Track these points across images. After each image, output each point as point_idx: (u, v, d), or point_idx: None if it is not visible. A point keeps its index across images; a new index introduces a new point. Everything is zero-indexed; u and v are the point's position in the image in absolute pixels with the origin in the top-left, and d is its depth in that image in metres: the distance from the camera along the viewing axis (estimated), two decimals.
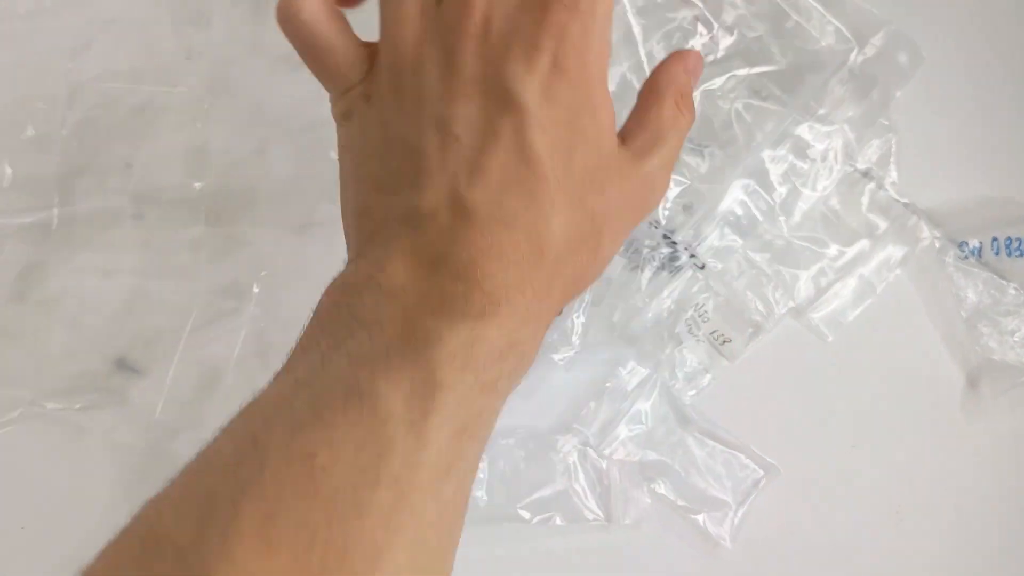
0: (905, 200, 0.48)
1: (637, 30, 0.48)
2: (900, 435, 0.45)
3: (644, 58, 0.48)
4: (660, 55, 0.48)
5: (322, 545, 0.23)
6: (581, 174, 0.31)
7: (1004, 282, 0.46)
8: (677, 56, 0.35)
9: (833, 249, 0.47)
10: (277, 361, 0.29)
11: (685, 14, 0.49)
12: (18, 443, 0.43)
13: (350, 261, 0.31)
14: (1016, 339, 0.45)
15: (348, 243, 0.33)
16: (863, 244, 0.47)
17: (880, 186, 0.48)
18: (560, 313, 0.35)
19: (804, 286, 0.46)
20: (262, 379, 0.28)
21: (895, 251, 0.47)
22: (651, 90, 0.34)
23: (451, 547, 0.28)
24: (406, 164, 0.31)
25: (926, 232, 0.47)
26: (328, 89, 0.34)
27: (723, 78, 0.48)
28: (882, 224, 0.47)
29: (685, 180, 0.47)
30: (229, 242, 0.45)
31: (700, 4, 0.49)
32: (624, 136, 0.33)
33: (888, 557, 0.43)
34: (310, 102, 0.44)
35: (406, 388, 0.26)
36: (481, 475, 0.43)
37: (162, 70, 0.47)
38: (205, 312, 0.44)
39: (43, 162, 0.45)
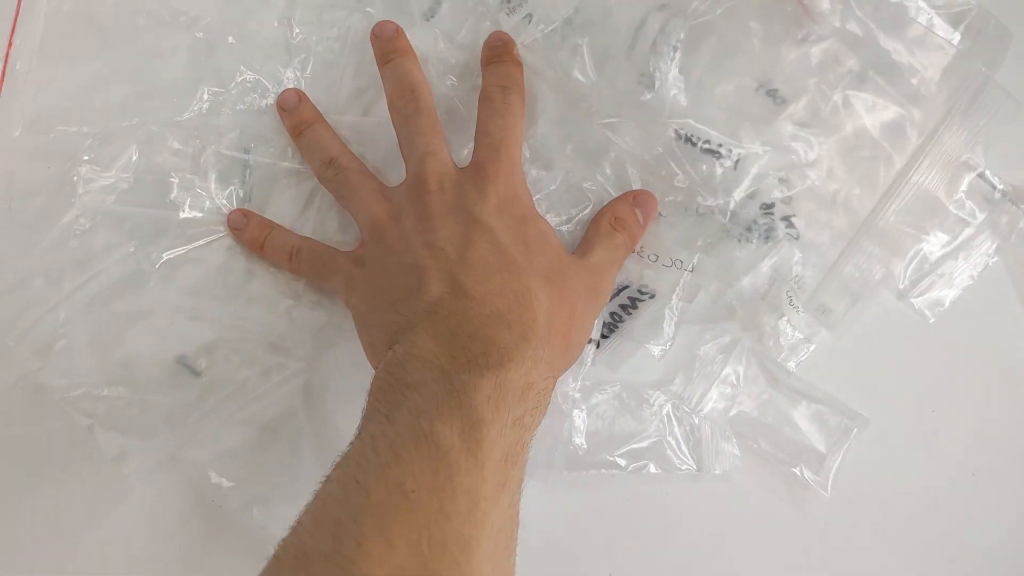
0: (1003, 187, 0.50)
1: None
2: (982, 405, 0.48)
3: None
4: None
5: (427, 540, 0.30)
6: (541, 260, 0.41)
7: None
8: (628, 193, 0.47)
9: (935, 236, 0.49)
10: None
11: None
12: None
13: (385, 354, 0.39)
14: None
15: (375, 357, 0.41)
16: (967, 232, 0.50)
17: (981, 175, 0.50)
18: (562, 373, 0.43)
19: (907, 269, 0.49)
20: None
21: (993, 239, 0.49)
22: (594, 217, 0.47)
23: (514, 545, 0.35)
24: (409, 278, 0.40)
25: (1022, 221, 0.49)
26: (323, 280, 0.46)
27: (831, 69, 0.50)
28: (980, 214, 0.50)
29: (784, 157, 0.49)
30: None
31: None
32: (576, 251, 0.45)
33: (965, 511, 0.47)
34: None
35: (458, 427, 0.33)
36: (580, 423, 0.46)
37: None
38: None
39: None
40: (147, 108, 0.49)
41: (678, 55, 0.48)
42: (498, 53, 0.47)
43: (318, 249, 0.46)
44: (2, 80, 0.49)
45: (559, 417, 0.46)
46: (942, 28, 0.52)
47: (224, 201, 0.48)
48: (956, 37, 0.52)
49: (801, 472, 0.46)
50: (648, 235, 0.48)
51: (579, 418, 0.46)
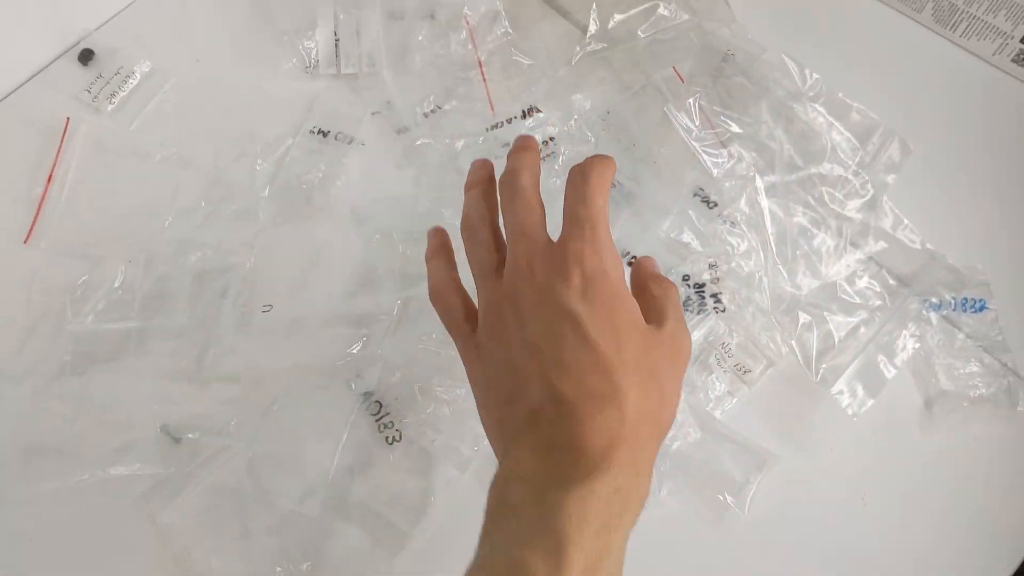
0: (894, 280, 0.62)
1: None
2: (870, 442, 0.58)
3: None
4: None
5: None
6: (629, 348, 0.42)
7: (956, 331, 0.61)
8: (640, 261, 0.51)
9: (839, 317, 0.61)
10: None
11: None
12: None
13: (500, 460, 0.43)
14: (961, 374, 0.60)
15: (495, 448, 0.45)
16: (862, 314, 0.62)
17: (880, 266, 0.63)
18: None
19: (816, 341, 0.60)
20: None
21: (888, 321, 0.61)
22: (637, 287, 0.49)
23: None
24: (513, 380, 0.43)
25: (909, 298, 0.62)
26: (455, 339, 0.49)
27: (764, 182, 0.64)
28: (877, 300, 0.62)
29: (714, 248, 0.63)
30: None
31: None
32: (644, 318, 0.45)
33: (856, 531, 0.57)
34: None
35: (543, 552, 0.37)
36: None
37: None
38: None
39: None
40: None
41: None
42: (592, 162, 0.47)
43: (458, 315, 0.49)
44: (42, 202, 0.64)
45: None
46: (849, 143, 0.66)
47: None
48: (860, 153, 0.65)
49: (724, 498, 0.56)
50: None
51: None
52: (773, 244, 0.62)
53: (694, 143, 0.64)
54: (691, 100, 0.64)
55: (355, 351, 0.59)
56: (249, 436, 0.57)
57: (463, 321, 0.48)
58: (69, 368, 0.59)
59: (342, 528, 0.55)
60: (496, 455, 0.44)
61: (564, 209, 0.46)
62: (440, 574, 0.55)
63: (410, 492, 0.56)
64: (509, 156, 0.49)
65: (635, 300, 0.45)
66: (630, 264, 0.61)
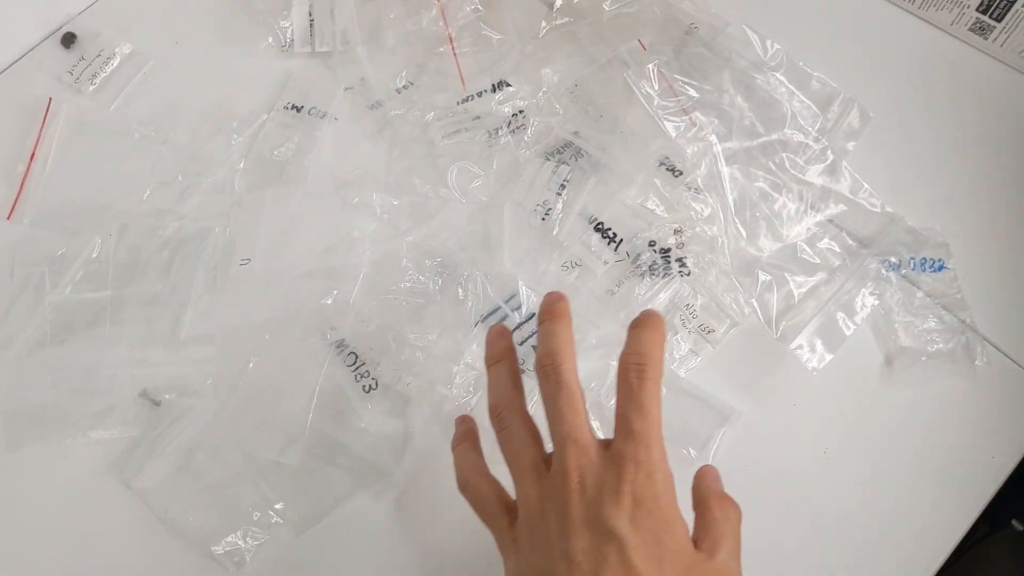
0: (854, 242, 0.64)
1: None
2: (832, 397, 0.60)
3: None
4: None
5: None
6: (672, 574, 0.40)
7: (915, 289, 0.63)
8: (704, 471, 0.48)
9: (799, 277, 0.63)
10: None
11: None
12: None
13: None
14: (920, 330, 0.61)
15: None
16: (822, 274, 0.63)
17: (840, 229, 0.64)
18: None
19: (776, 300, 0.62)
20: None
21: (847, 280, 0.62)
22: (699, 502, 0.46)
23: None
24: None
25: (868, 258, 0.63)
26: (489, 529, 0.47)
27: (727, 150, 0.66)
28: (837, 261, 0.63)
29: (679, 214, 0.64)
30: None
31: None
32: (696, 540, 0.43)
33: (819, 483, 0.58)
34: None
35: None
36: None
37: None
38: None
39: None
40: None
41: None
42: (640, 321, 0.46)
43: (490, 498, 0.47)
44: (25, 179, 0.66)
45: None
46: (809, 110, 0.67)
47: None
48: (820, 120, 0.67)
49: (688, 452, 0.58)
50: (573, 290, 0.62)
51: None
52: (733, 208, 0.64)
53: (656, 110, 0.65)
54: (651, 66, 0.66)
55: (328, 302, 0.61)
56: (226, 393, 0.58)
57: (500, 514, 0.46)
58: (49, 337, 0.60)
59: (326, 474, 0.57)
60: None
61: (618, 412, 0.44)
62: (420, 507, 0.57)
63: (390, 434, 0.58)
64: (541, 327, 0.48)
65: (685, 524, 0.43)
66: (597, 229, 0.63)
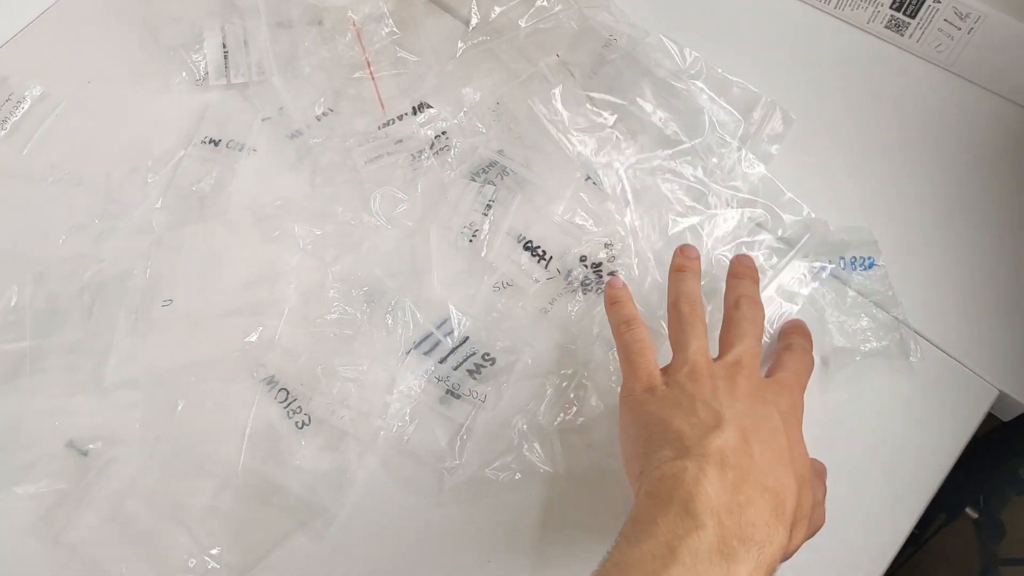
0: (782, 244, 0.64)
1: None
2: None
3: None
4: None
5: None
6: (799, 458, 0.47)
7: (846, 288, 0.63)
8: (791, 322, 0.59)
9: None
10: None
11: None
12: None
13: (662, 465, 0.44)
14: (853, 329, 0.61)
15: (636, 468, 0.47)
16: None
17: (773, 232, 0.64)
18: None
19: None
20: None
21: (783, 279, 0.63)
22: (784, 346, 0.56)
23: None
24: (710, 416, 0.46)
25: (798, 263, 0.63)
26: (627, 379, 0.51)
27: (650, 160, 0.66)
28: (768, 263, 0.63)
29: (608, 228, 0.64)
30: None
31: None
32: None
33: None
34: None
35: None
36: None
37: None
38: None
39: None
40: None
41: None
42: (743, 272, 0.57)
43: (643, 336, 0.53)
44: None
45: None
46: (731, 116, 0.67)
47: None
48: (743, 126, 0.67)
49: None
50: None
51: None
52: (659, 218, 0.63)
53: (566, 132, 0.65)
54: (555, 91, 0.66)
55: (254, 339, 0.59)
56: (154, 439, 0.57)
57: (649, 374, 0.51)
58: None
59: (263, 514, 0.56)
60: (637, 467, 0.47)
61: (728, 327, 0.53)
62: (361, 543, 0.55)
63: (326, 470, 0.57)
64: (673, 278, 0.56)
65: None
66: (527, 247, 0.62)
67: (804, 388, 0.53)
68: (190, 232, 0.63)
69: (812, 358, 0.56)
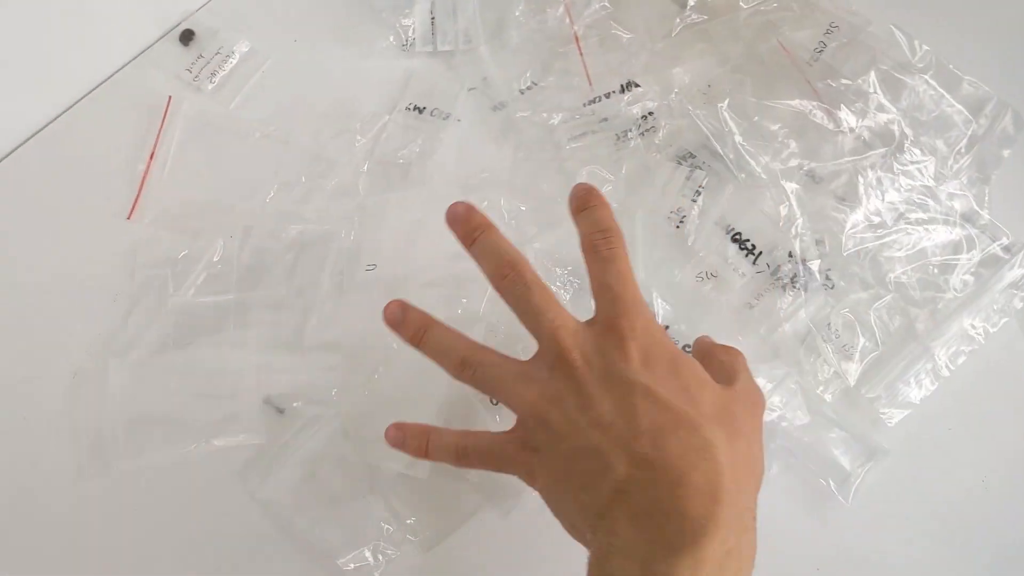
0: (1005, 251, 0.60)
1: None
2: (991, 422, 0.56)
3: None
4: None
5: None
6: (706, 402, 0.42)
7: None
8: (701, 337, 0.51)
9: (950, 292, 0.59)
10: None
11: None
12: None
13: (590, 543, 0.41)
14: None
15: (579, 537, 0.43)
16: (971, 290, 0.60)
17: (994, 238, 0.61)
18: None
19: (923, 319, 0.58)
20: None
21: (1002, 292, 0.59)
22: (703, 355, 0.48)
23: None
24: (590, 461, 0.40)
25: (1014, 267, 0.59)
26: (505, 469, 0.46)
27: (867, 158, 0.62)
28: (987, 271, 0.60)
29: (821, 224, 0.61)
30: None
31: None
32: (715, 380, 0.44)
33: (979, 515, 0.54)
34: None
35: None
36: None
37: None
38: None
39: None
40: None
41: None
42: (585, 200, 0.46)
43: (484, 444, 0.46)
44: (145, 179, 0.65)
45: None
46: (960, 115, 0.63)
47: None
48: (972, 126, 0.63)
49: (828, 483, 0.55)
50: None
51: None
52: (878, 218, 0.60)
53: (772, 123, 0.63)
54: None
55: (459, 312, 0.59)
56: (351, 403, 0.57)
57: (505, 442, 0.46)
58: (172, 341, 0.59)
59: (454, 489, 0.55)
60: (584, 542, 0.42)
61: (595, 286, 0.45)
62: (551, 526, 0.54)
63: None
64: (475, 249, 0.47)
65: (696, 362, 0.45)
66: (735, 239, 0.60)
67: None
68: (394, 199, 0.63)
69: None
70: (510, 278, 0.45)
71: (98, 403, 0.57)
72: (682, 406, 0.40)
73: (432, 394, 0.56)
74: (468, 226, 0.46)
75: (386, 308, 0.48)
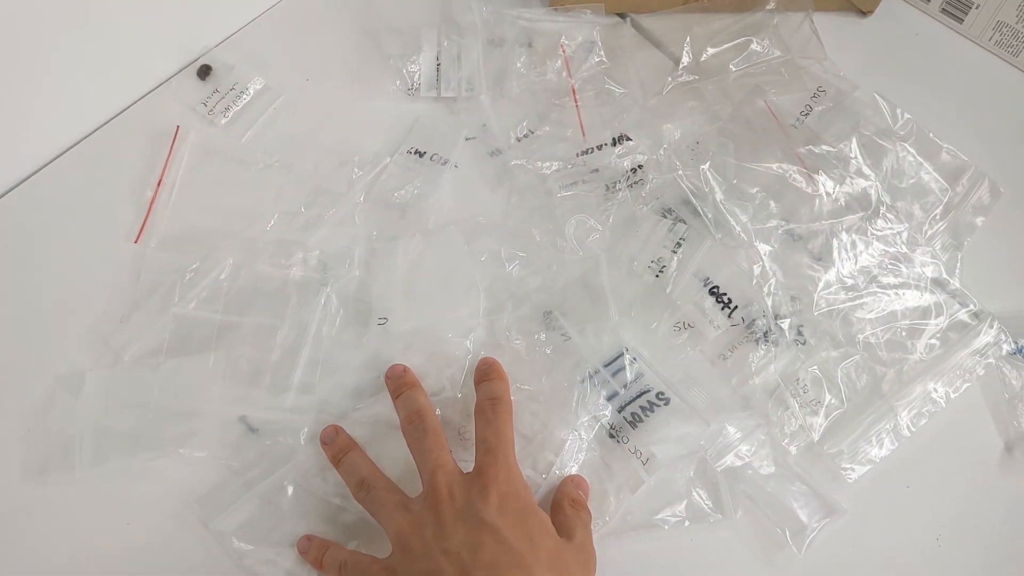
0: (970, 319, 0.62)
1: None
2: (947, 483, 0.58)
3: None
4: None
5: None
6: (543, 549, 0.49)
7: None
8: (569, 478, 0.56)
9: (916, 354, 0.61)
10: None
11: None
12: None
13: None
14: None
15: None
16: (939, 352, 0.61)
17: (963, 305, 0.63)
18: None
19: (890, 379, 0.60)
20: None
21: (967, 358, 0.61)
22: (554, 506, 0.54)
23: None
24: None
25: (989, 336, 0.61)
26: None
27: (846, 220, 0.65)
28: (954, 335, 0.62)
29: (797, 281, 0.63)
30: None
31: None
32: (557, 530, 0.51)
33: (931, 573, 0.56)
34: None
35: None
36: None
37: None
38: None
39: None
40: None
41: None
42: (486, 373, 0.57)
43: (362, 564, 0.51)
44: (152, 204, 0.68)
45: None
46: (937, 183, 0.66)
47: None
48: (948, 194, 0.65)
49: (784, 532, 0.56)
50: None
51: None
52: (851, 280, 0.63)
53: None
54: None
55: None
56: (317, 451, 0.58)
57: (369, 563, 0.51)
58: (166, 348, 0.61)
59: None
60: None
61: (477, 440, 0.53)
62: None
63: None
64: (398, 401, 0.56)
65: (546, 515, 0.52)
66: (712, 292, 0.62)
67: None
68: (401, 246, 0.65)
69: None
70: (415, 423, 0.54)
71: (72, 409, 0.58)
72: (522, 549, 0.47)
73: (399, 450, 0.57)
74: (398, 383, 0.57)
75: (324, 431, 0.57)
